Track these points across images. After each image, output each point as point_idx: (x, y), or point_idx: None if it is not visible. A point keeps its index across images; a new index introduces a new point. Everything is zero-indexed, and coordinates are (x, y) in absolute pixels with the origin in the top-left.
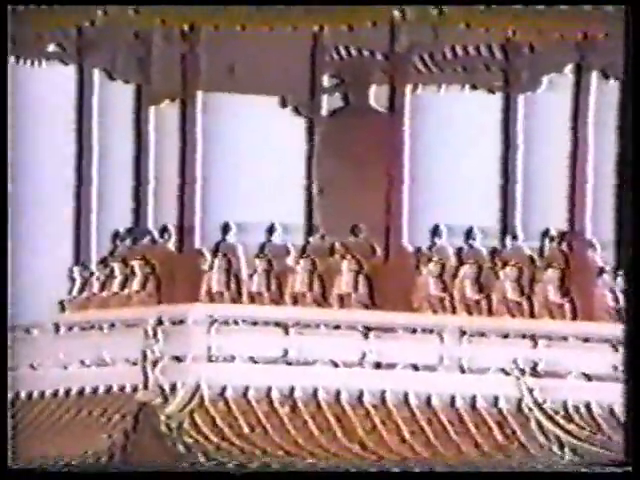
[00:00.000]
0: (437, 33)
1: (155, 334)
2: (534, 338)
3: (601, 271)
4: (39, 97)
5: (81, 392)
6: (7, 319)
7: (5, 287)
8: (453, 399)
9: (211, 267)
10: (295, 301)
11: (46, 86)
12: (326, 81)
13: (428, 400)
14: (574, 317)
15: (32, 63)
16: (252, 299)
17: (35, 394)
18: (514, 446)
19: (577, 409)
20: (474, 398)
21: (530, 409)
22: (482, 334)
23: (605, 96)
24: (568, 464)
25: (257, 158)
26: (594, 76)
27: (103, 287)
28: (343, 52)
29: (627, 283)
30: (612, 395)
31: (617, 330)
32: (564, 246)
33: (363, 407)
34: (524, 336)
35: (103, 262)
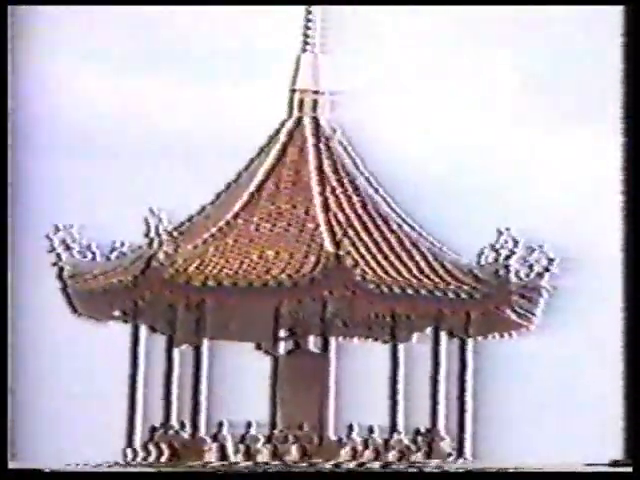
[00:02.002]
0: (353, 306)
1: None
2: None
3: None
4: None
5: None
6: (7, 319)
7: (5, 287)
8: None
9: None
10: None
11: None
12: (283, 333)
13: None
14: None
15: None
16: None
17: None
18: None
19: None
20: None
21: None
22: None
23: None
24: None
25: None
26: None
27: None
28: (296, 316)
29: (626, 280)
30: None
31: None
32: None
33: None
34: None
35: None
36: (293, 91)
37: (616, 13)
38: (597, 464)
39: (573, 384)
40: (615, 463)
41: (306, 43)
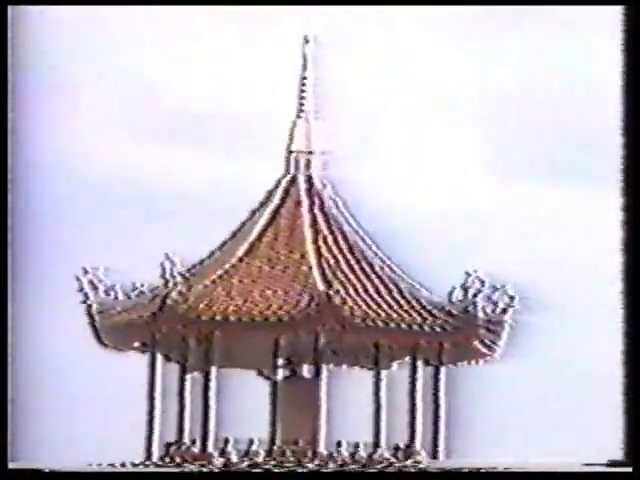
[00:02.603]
0: (341, 338)
1: None
2: None
3: None
4: None
5: None
6: (7, 319)
7: (5, 287)
8: None
9: None
10: None
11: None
12: (281, 361)
13: None
14: None
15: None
16: None
17: None
18: None
19: None
20: None
21: None
22: None
23: None
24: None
25: None
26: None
27: None
28: (292, 346)
29: (626, 288)
30: None
31: None
32: None
33: None
34: None
35: None
36: (290, 152)
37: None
38: (596, 464)
39: (533, 405)
40: (614, 463)
41: (300, 110)
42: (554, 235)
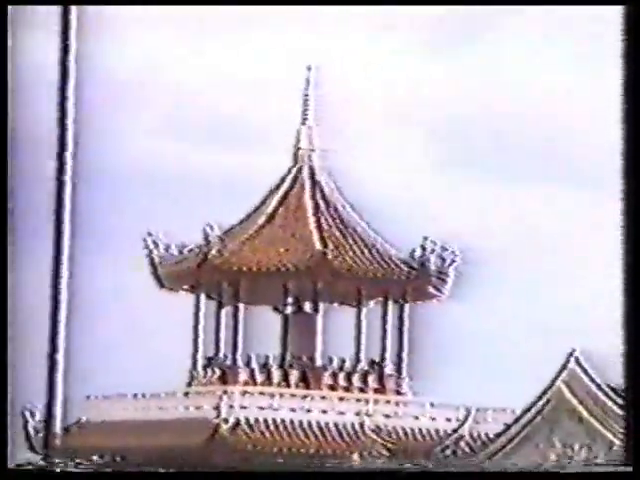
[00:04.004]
0: (333, 284)
1: None
2: None
3: None
4: None
5: None
6: (7, 319)
7: (5, 287)
8: None
9: None
10: None
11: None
12: (289, 300)
13: None
14: None
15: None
16: None
17: None
18: None
19: None
20: None
21: None
22: None
23: None
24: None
25: None
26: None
27: None
28: (298, 289)
29: (627, 288)
30: None
31: None
32: None
33: None
34: None
35: None
36: (297, 149)
37: (616, 13)
38: (597, 464)
39: (471, 332)
40: (614, 463)
41: (305, 118)
42: (493, 209)
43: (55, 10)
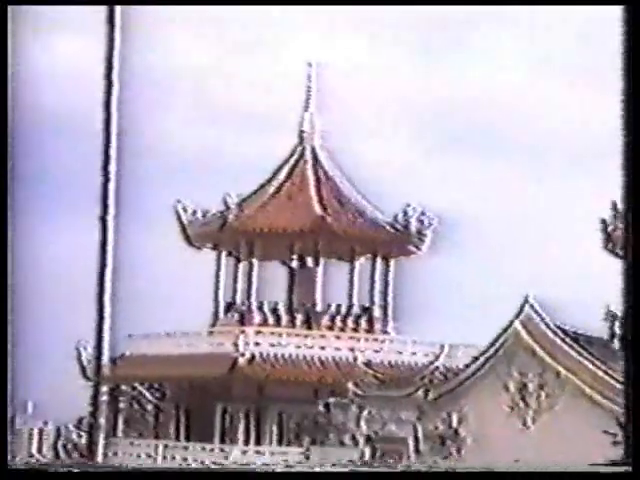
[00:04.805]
0: (331, 243)
1: None
2: None
3: None
4: None
5: None
6: (7, 319)
7: (5, 286)
8: None
9: None
10: None
11: None
12: (295, 256)
13: None
14: None
15: None
16: None
17: None
18: None
19: None
20: None
21: None
22: None
23: None
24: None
25: None
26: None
27: None
28: (302, 246)
29: (628, 283)
30: None
31: None
32: None
33: None
34: None
35: None
36: (301, 132)
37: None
38: (597, 464)
39: (445, 280)
40: (614, 463)
41: (307, 106)
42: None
43: (55, 10)
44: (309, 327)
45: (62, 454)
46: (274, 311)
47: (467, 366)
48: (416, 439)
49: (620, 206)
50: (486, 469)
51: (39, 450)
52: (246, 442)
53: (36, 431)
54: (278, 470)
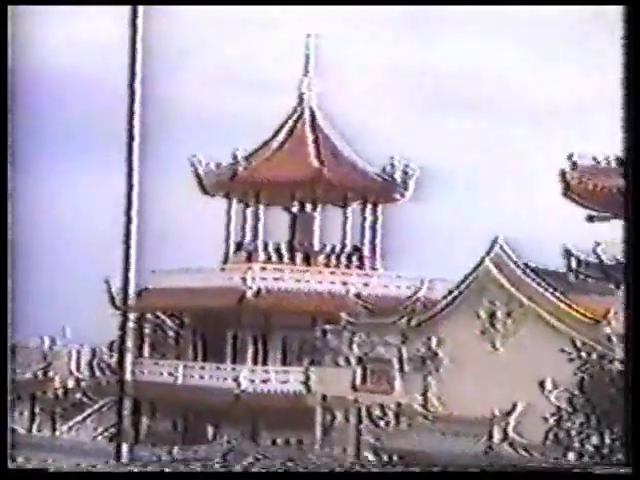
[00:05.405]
0: (327, 189)
1: None
2: None
3: None
4: None
5: None
6: (7, 319)
7: (5, 287)
8: None
9: None
10: None
11: None
12: (295, 201)
13: None
14: None
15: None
16: None
17: None
18: None
19: None
20: None
21: None
22: None
23: None
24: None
25: None
26: None
27: None
28: (302, 193)
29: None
30: None
31: None
32: None
33: None
34: None
35: None
36: (301, 93)
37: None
38: (597, 464)
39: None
40: (614, 463)
41: (306, 72)
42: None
43: (55, 10)
44: (308, 264)
45: (97, 372)
46: (277, 250)
47: (444, 297)
48: (400, 360)
49: (578, 160)
50: (486, 469)
51: (77, 368)
52: (254, 362)
53: (74, 353)
54: (279, 390)
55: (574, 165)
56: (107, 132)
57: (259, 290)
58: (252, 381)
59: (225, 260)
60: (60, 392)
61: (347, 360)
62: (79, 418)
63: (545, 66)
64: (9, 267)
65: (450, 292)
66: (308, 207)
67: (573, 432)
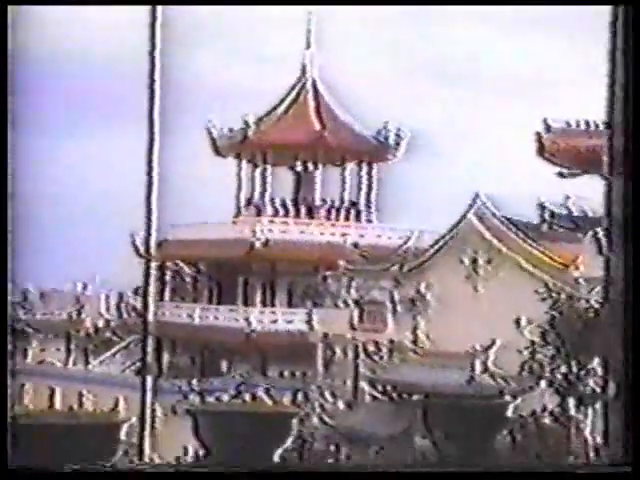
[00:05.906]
0: (326, 152)
1: None
2: None
3: None
4: None
5: None
6: (7, 319)
7: (5, 286)
8: None
9: None
10: None
11: None
12: (298, 162)
13: None
14: None
15: None
16: None
17: None
18: None
19: None
20: None
21: None
22: None
23: None
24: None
25: None
26: None
27: None
28: (303, 155)
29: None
30: None
31: None
32: None
33: None
34: None
35: None
36: (304, 66)
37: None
38: (597, 464)
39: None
40: (614, 463)
41: (308, 45)
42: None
43: (55, 9)
44: (310, 218)
45: (124, 313)
46: (283, 205)
47: (431, 246)
48: (393, 302)
49: (552, 123)
50: (485, 469)
51: (107, 310)
52: (263, 305)
53: (103, 297)
54: (284, 329)
55: (548, 128)
56: (128, 103)
57: (267, 241)
58: (261, 321)
59: (236, 214)
60: (91, 331)
61: (345, 302)
62: (109, 354)
63: (531, 40)
64: (46, 221)
65: (437, 242)
66: (310, 167)
67: (545, 363)
